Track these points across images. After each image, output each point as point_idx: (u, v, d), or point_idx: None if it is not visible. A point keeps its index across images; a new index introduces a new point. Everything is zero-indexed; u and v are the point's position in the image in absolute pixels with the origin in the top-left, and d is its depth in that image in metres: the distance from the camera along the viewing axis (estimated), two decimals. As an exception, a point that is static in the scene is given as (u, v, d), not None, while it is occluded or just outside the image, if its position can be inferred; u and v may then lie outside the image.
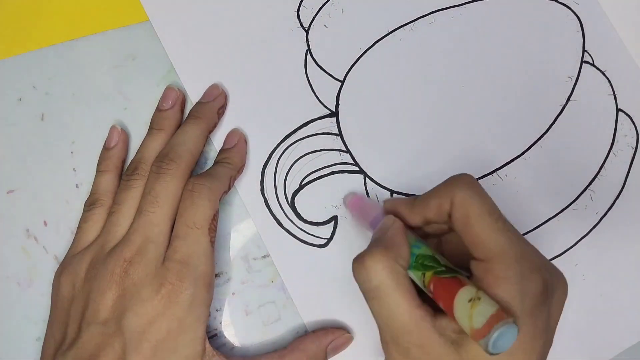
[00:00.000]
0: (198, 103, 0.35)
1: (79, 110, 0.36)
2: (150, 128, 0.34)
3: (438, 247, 0.31)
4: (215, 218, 0.32)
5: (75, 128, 0.36)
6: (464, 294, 0.26)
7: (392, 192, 0.36)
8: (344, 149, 0.36)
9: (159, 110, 0.35)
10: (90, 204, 0.34)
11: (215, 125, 0.35)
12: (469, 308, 0.25)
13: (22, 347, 0.34)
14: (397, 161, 0.36)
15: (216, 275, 0.35)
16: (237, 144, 0.35)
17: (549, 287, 0.26)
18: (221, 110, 0.35)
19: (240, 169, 0.35)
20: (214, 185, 0.32)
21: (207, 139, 0.34)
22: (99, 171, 0.34)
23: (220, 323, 0.35)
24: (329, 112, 0.36)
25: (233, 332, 0.35)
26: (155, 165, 0.32)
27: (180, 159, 0.32)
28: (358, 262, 0.27)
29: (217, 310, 0.35)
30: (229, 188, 0.34)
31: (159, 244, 0.31)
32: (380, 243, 0.28)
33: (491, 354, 0.25)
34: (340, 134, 0.36)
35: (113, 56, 0.36)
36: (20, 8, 0.37)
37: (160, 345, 0.29)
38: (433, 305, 0.27)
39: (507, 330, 0.25)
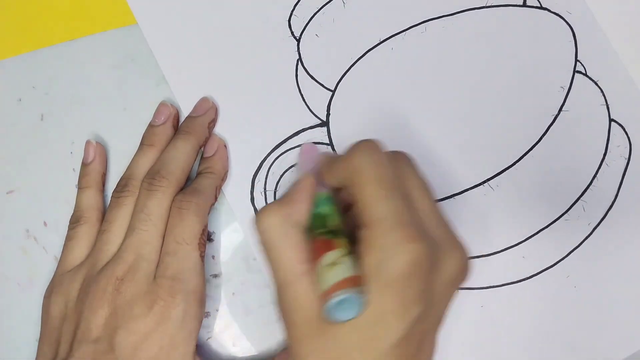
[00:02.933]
0: (188, 117, 0.35)
1: (78, 111, 0.36)
2: (141, 144, 0.34)
3: None
4: (204, 233, 0.32)
5: (75, 128, 0.36)
6: (329, 257, 0.26)
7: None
8: (335, 159, 0.36)
9: (151, 125, 0.35)
10: (74, 222, 0.34)
11: (206, 140, 0.35)
12: (325, 271, 0.25)
13: (22, 347, 0.35)
14: (387, 171, 0.36)
15: (216, 276, 0.35)
16: (217, 151, 0.35)
17: (425, 260, 0.25)
18: (212, 124, 0.35)
19: (224, 177, 0.35)
20: (201, 201, 0.32)
21: (198, 153, 0.34)
22: (79, 188, 0.35)
23: (219, 323, 0.35)
24: (320, 121, 0.36)
25: (233, 332, 0.35)
26: (147, 182, 0.32)
27: (172, 175, 0.32)
28: (255, 216, 0.29)
29: (216, 310, 0.35)
30: (216, 199, 0.34)
31: (151, 261, 0.31)
32: (280, 199, 0.29)
33: (330, 320, 0.25)
34: (330, 144, 0.36)
35: (113, 56, 0.37)
36: (20, 8, 0.37)
37: None
38: None
39: (350, 299, 0.24)
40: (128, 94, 0.36)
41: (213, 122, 0.35)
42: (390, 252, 0.25)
